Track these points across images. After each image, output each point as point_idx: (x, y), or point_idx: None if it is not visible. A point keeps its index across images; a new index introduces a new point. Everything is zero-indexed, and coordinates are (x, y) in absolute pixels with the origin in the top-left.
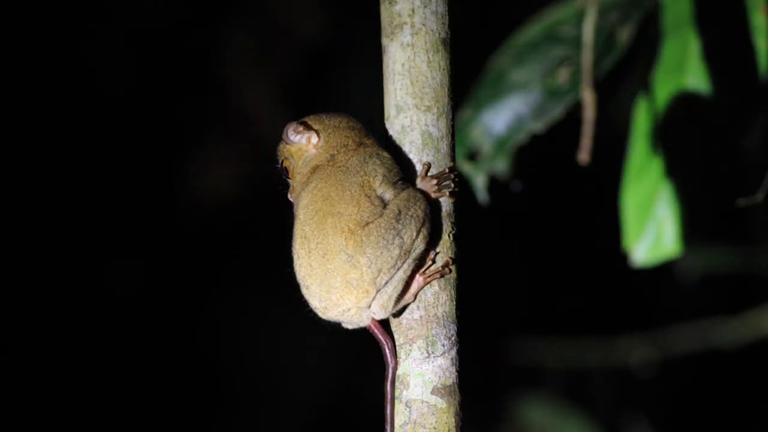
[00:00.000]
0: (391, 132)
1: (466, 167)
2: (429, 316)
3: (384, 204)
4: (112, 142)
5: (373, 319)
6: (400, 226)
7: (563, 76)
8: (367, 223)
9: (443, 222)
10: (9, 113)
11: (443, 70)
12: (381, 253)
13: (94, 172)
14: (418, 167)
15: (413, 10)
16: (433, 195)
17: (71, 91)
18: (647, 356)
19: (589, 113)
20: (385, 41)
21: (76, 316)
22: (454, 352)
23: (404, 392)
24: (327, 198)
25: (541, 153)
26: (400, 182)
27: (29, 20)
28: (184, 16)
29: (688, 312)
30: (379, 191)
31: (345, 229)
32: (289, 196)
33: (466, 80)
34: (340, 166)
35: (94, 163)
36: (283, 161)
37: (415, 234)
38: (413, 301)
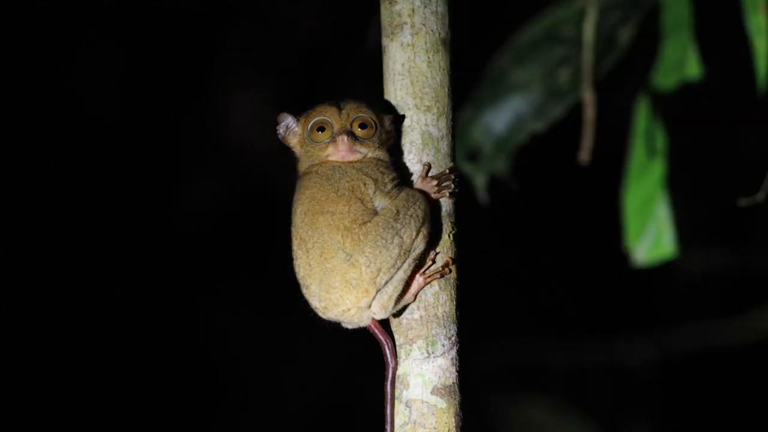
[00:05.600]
0: None
1: (466, 167)
2: (429, 316)
3: (374, 200)
4: (111, 146)
5: (373, 319)
6: (399, 225)
7: (563, 76)
8: (365, 222)
9: (443, 222)
10: (7, 119)
11: (443, 70)
12: (380, 252)
13: (94, 178)
14: (418, 167)
15: (413, 10)
16: (433, 195)
17: (67, 95)
18: (647, 356)
19: (589, 113)
20: (385, 41)
21: (76, 318)
22: (454, 352)
23: (404, 392)
24: (313, 198)
25: (541, 153)
26: (395, 181)
27: (24, 27)
28: (181, 16)
29: (688, 312)
30: (370, 190)
31: (340, 226)
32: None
33: (466, 80)
34: (329, 168)
35: (94, 169)
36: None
37: (414, 233)
38: (413, 301)
